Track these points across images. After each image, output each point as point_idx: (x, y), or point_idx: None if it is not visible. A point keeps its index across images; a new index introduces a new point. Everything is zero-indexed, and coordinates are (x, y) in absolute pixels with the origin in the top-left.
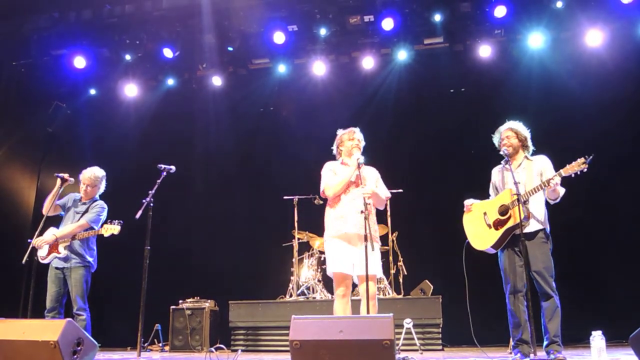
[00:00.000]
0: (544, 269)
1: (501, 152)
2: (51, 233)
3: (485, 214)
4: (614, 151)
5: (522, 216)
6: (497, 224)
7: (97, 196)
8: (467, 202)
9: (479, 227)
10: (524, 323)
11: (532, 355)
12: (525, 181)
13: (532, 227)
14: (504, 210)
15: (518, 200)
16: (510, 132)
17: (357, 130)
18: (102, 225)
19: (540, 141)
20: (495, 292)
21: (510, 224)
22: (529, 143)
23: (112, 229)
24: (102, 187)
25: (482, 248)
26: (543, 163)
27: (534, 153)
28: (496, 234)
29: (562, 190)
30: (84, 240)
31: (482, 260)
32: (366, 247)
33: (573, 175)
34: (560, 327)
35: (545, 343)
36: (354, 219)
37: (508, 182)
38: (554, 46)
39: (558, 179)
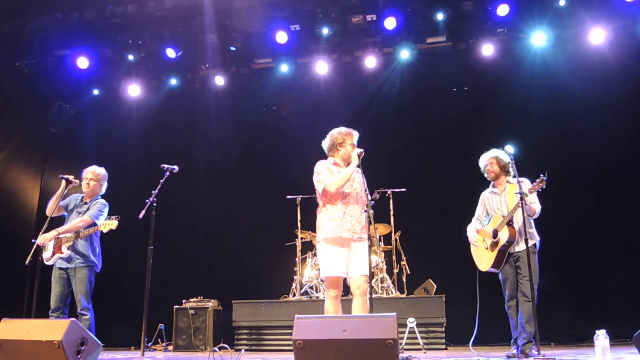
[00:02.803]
0: (533, 276)
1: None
2: (54, 230)
3: (484, 240)
4: (617, 149)
5: (505, 238)
6: (493, 246)
7: (99, 196)
8: (473, 240)
9: (482, 251)
10: (518, 325)
11: (535, 353)
12: (509, 203)
13: (522, 247)
14: (495, 234)
15: (510, 220)
16: (493, 159)
17: (357, 136)
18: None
19: (544, 139)
20: (498, 293)
21: (500, 243)
22: (510, 169)
23: (110, 224)
24: (104, 188)
25: (486, 269)
26: (523, 186)
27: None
28: (493, 255)
29: (537, 208)
30: (88, 240)
31: None
32: (370, 246)
33: (537, 193)
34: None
35: (523, 342)
36: (349, 223)
37: (496, 206)
38: (557, 45)
39: (527, 199)
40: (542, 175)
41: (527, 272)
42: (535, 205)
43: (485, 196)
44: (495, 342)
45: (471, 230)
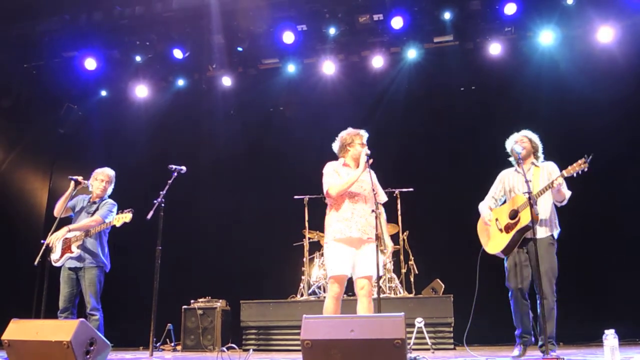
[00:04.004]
0: (549, 270)
1: (515, 151)
2: (65, 227)
3: (497, 220)
4: (626, 147)
5: (531, 218)
6: (508, 228)
7: (106, 196)
8: (487, 218)
9: (492, 232)
10: (526, 320)
11: (540, 354)
12: (534, 185)
13: (541, 233)
14: (513, 214)
15: (529, 199)
16: (526, 138)
17: (366, 136)
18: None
19: (551, 138)
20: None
21: (519, 226)
22: (540, 154)
23: (124, 217)
24: (111, 189)
25: (495, 252)
26: (550, 168)
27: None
28: (507, 237)
29: (567, 193)
30: (97, 239)
31: (496, 258)
32: (377, 246)
33: (575, 175)
34: (555, 328)
35: (541, 342)
36: (358, 223)
37: (518, 186)
38: (564, 43)
39: (561, 180)
40: (585, 157)
41: (544, 266)
42: (565, 190)
43: (506, 174)
44: (503, 341)
45: (485, 208)
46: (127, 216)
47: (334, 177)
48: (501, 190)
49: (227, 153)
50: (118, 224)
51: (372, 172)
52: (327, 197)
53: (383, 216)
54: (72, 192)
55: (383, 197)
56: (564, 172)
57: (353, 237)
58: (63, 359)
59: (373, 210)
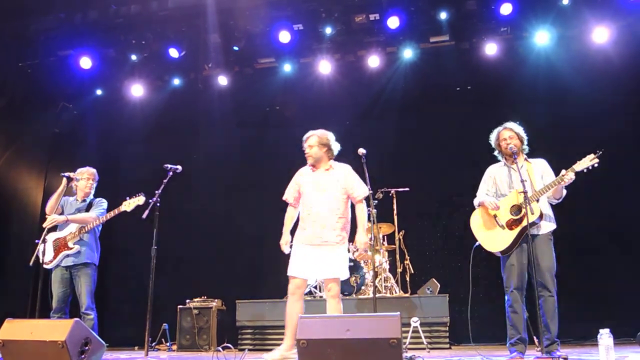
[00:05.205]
0: (551, 267)
1: (511, 150)
2: (63, 216)
3: (495, 216)
4: (621, 147)
5: (536, 215)
6: (512, 224)
7: (91, 194)
8: (494, 203)
9: (491, 229)
10: (523, 322)
11: (539, 353)
12: (533, 181)
13: (545, 228)
14: (517, 210)
15: (525, 198)
16: (512, 132)
17: (310, 135)
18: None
19: (548, 138)
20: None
21: (525, 222)
22: (525, 145)
23: (137, 200)
24: (95, 185)
25: (498, 249)
26: (543, 165)
27: (529, 155)
28: (512, 234)
29: (564, 191)
30: (93, 235)
31: (490, 258)
32: (373, 246)
33: (585, 171)
34: (558, 325)
35: (546, 343)
36: (313, 230)
37: (515, 181)
38: (560, 43)
39: (572, 174)
40: (595, 152)
41: (548, 262)
42: (563, 189)
43: (495, 170)
44: (500, 340)
45: (486, 197)
46: (140, 199)
47: (292, 187)
48: (493, 185)
49: (223, 152)
50: (129, 209)
51: (344, 169)
52: (286, 200)
53: (364, 213)
54: (64, 189)
55: (361, 193)
56: (574, 166)
57: (306, 243)
58: (58, 359)
59: (369, 211)
